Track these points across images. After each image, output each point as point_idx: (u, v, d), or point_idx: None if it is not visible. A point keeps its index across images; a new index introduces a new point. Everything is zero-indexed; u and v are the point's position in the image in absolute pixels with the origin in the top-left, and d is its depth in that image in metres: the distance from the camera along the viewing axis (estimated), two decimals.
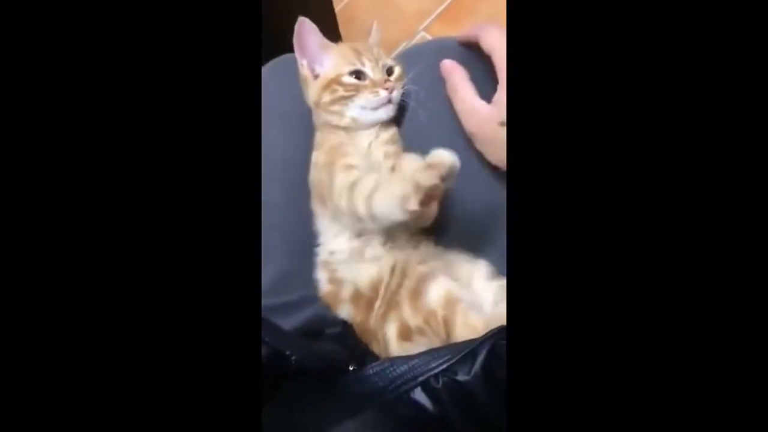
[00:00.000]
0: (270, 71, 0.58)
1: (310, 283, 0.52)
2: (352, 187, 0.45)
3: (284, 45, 0.53)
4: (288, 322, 0.52)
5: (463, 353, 0.38)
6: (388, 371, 0.39)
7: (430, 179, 0.40)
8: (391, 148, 0.52)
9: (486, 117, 0.47)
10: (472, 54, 0.51)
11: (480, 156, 0.50)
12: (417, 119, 0.53)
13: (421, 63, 0.53)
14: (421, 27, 1.33)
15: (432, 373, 0.38)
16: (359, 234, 0.50)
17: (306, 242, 0.53)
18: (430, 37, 1.32)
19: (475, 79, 0.49)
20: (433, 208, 0.48)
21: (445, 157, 0.41)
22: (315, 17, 0.82)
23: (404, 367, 0.38)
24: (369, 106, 0.50)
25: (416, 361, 0.38)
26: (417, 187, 0.40)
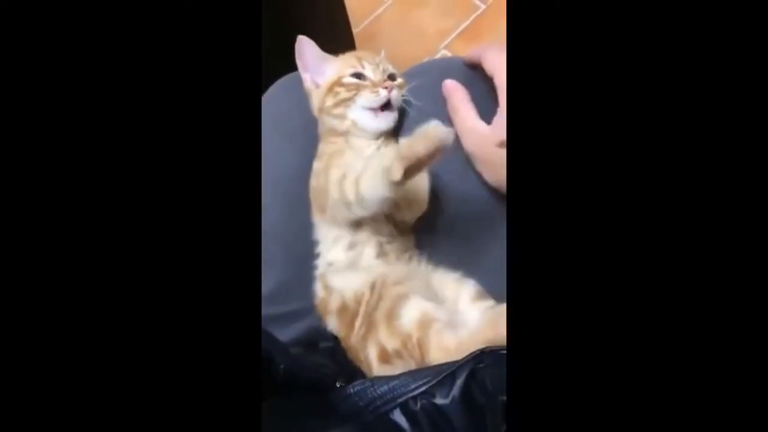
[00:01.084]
0: (277, 88, 0.59)
1: (308, 294, 0.52)
2: (343, 177, 0.46)
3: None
4: (284, 333, 0.52)
5: (441, 376, 0.37)
6: (368, 391, 0.38)
7: (415, 148, 0.40)
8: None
9: (485, 138, 0.47)
10: (476, 75, 0.51)
11: (479, 176, 0.49)
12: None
13: (423, 78, 0.53)
14: (443, 45, 1.34)
15: (411, 395, 0.37)
16: (353, 245, 0.50)
17: (305, 254, 0.53)
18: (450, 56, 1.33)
19: (477, 100, 0.49)
20: (422, 197, 0.49)
21: (433, 129, 0.41)
22: (331, 36, 0.85)
23: (384, 388, 0.38)
24: (369, 105, 0.51)
25: (396, 382, 0.38)
26: (400, 156, 0.40)
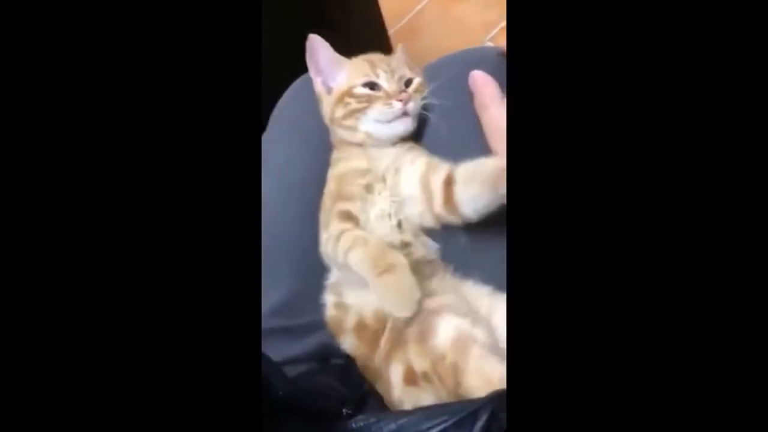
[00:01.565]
0: (295, 88, 0.56)
1: (320, 307, 0.49)
2: (337, 238, 0.45)
3: None
4: (296, 347, 0.49)
5: (460, 416, 0.32)
6: (373, 428, 0.34)
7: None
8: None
9: None
10: None
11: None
12: (438, 135, 0.48)
13: (447, 74, 0.48)
14: (487, 38, 1.27)
15: None
16: None
17: (319, 263, 0.50)
18: None
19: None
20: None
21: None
22: (363, 33, 0.80)
23: (392, 426, 0.33)
24: (383, 118, 0.47)
25: (406, 420, 0.33)
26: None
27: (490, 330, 0.42)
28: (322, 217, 0.48)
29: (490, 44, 1.27)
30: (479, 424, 0.32)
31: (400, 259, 0.42)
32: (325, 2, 0.77)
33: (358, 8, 0.87)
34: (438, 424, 0.32)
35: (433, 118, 0.48)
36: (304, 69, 0.53)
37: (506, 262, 0.24)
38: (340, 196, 0.47)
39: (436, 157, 0.46)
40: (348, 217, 0.46)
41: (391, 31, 1.35)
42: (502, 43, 1.24)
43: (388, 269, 0.41)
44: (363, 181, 0.47)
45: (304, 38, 0.48)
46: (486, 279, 0.45)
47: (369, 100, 0.47)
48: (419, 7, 1.39)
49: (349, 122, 0.48)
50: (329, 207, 0.47)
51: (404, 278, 0.41)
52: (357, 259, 0.43)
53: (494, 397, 0.33)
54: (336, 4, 0.78)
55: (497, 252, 0.45)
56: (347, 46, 0.51)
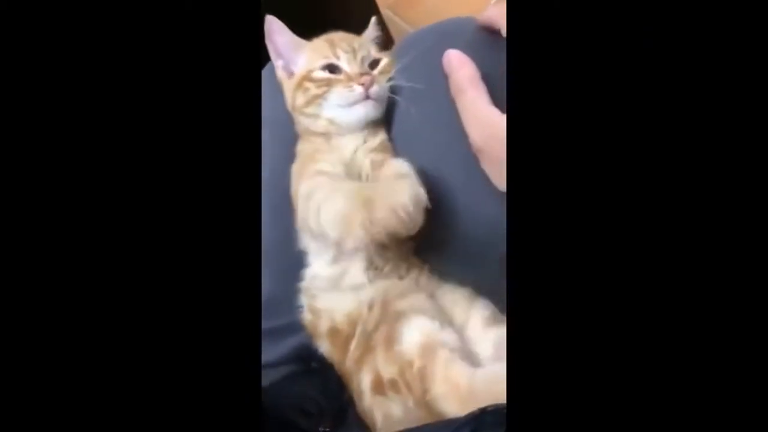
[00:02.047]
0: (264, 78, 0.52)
1: (298, 308, 0.47)
2: (309, 196, 0.39)
3: None
4: (277, 349, 0.48)
5: None
6: None
7: (376, 224, 0.32)
8: (379, 156, 0.43)
9: (498, 128, 0.36)
10: (493, 44, 0.39)
11: (485, 177, 0.39)
12: (409, 121, 0.44)
13: (416, 52, 0.43)
14: (494, 2, 1.19)
15: None
16: (338, 258, 0.43)
17: (299, 263, 0.47)
18: None
19: (490, 79, 0.38)
20: (417, 220, 0.39)
21: (402, 193, 0.33)
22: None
23: None
24: (343, 102, 0.43)
25: None
26: (364, 225, 0.32)
27: (464, 334, 0.39)
28: (294, 205, 0.45)
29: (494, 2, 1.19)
30: None
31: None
32: None
33: None
34: None
35: (402, 101, 0.43)
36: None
37: (506, 264, 0.23)
38: (310, 161, 0.43)
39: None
40: (320, 172, 0.42)
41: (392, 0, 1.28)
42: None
43: (368, 194, 0.36)
44: (329, 159, 0.43)
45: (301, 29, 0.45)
46: (464, 281, 0.42)
47: (329, 84, 0.43)
48: None
49: (310, 109, 0.44)
50: (294, 190, 0.44)
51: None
52: (328, 213, 0.37)
53: (469, 419, 0.30)
54: None
55: (481, 252, 0.42)
56: (331, 19, 0.47)
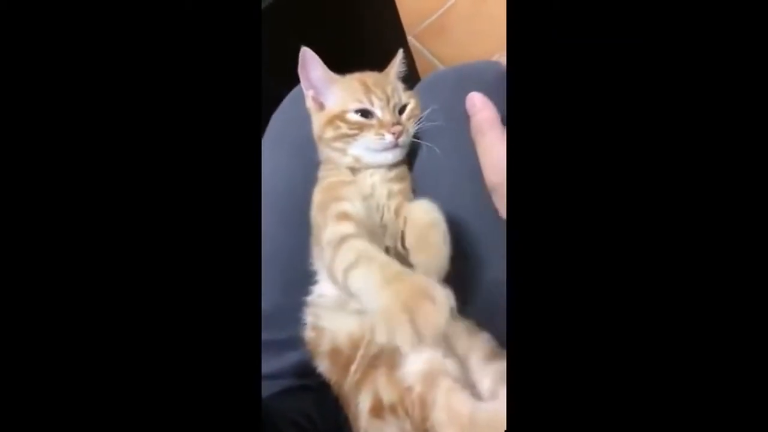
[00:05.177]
0: (289, 100, 0.55)
1: (302, 322, 0.48)
2: (338, 246, 0.39)
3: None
4: (277, 362, 0.49)
5: None
6: None
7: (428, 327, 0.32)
8: (397, 187, 0.45)
9: None
10: None
11: (497, 214, 0.41)
12: (431, 158, 0.46)
13: (441, 96, 0.46)
14: None
15: None
16: None
17: (306, 275, 0.49)
18: None
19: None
20: (440, 261, 0.40)
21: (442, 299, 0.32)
22: (381, 34, 0.78)
23: None
24: (373, 148, 0.45)
25: None
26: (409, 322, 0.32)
27: (464, 366, 0.40)
28: (314, 230, 0.47)
29: (496, 58, 1.22)
30: None
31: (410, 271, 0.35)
32: (338, 4, 0.75)
33: (371, 9, 0.85)
34: None
35: (424, 139, 0.46)
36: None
37: (506, 270, 0.24)
38: (334, 198, 0.44)
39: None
40: (345, 216, 0.42)
41: (418, 29, 1.32)
42: None
43: (397, 277, 0.34)
44: (356, 192, 0.45)
45: (320, 45, 0.47)
46: (469, 314, 0.44)
47: (361, 128, 0.45)
48: (449, 3, 1.35)
49: (338, 144, 0.46)
50: (320, 220, 0.45)
51: (424, 280, 0.34)
52: (361, 279, 0.36)
53: None
54: (348, 6, 0.76)
55: (485, 282, 0.43)
56: (361, 49, 0.49)
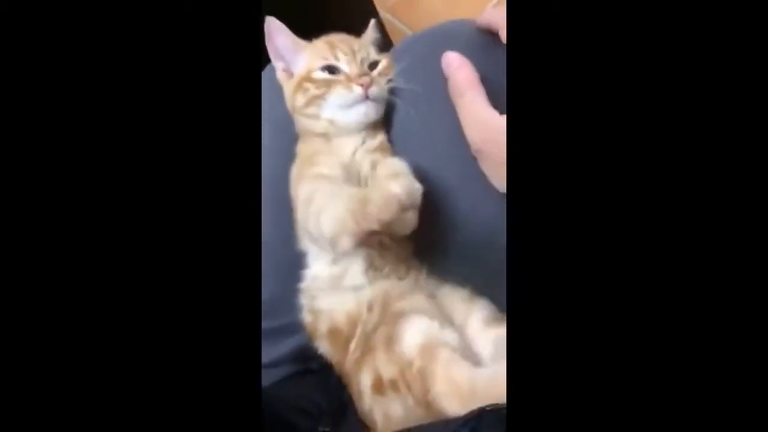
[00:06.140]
0: (265, 79, 0.52)
1: (298, 309, 0.47)
2: (309, 201, 0.39)
3: None
4: (276, 349, 0.48)
5: None
6: None
7: (369, 217, 0.32)
8: (378, 157, 0.43)
9: (498, 130, 0.36)
10: (493, 45, 0.40)
11: (484, 179, 0.39)
12: (408, 123, 0.44)
13: (415, 54, 0.44)
14: (492, 5, 1.20)
15: None
16: (338, 259, 0.44)
17: (298, 264, 0.47)
18: None
19: (489, 81, 0.38)
20: (410, 219, 0.40)
21: (394, 186, 0.32)
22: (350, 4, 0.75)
23: None
24: (343, 103, 0.43)
25: None
26: (356, 219, 0.33)
27: (464, 334, 0.39)
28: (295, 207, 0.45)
29: (494, 4, 1.20)
30: None
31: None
32: None
33: None
34: None
35: (401, 104, 0.44)
36: None
37: (506, 264, 0.23)
38: (310, 164, 0.43)
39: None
40: (320, 176, 0.42)
41: (391, 2, 1.29)
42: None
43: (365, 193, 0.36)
44: (328, 162, 0.43)
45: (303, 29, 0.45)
46: (464, 281, 0.42)
47: (328, 85, 0.43)
48: None
49: (310, 110, 0.44)
50: (297, 189, 0.44)
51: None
52: (329, 219, 0.37)
53: (468, 418, 0.30)
54: None
55: (480, 253, 0.42)
56: (331, 20, 0.47)
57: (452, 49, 0.41)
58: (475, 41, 0.42)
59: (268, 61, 0.48)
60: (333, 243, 0.37)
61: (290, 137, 0.49)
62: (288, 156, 0.48)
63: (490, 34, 0.41)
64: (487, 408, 0.31)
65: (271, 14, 0.44)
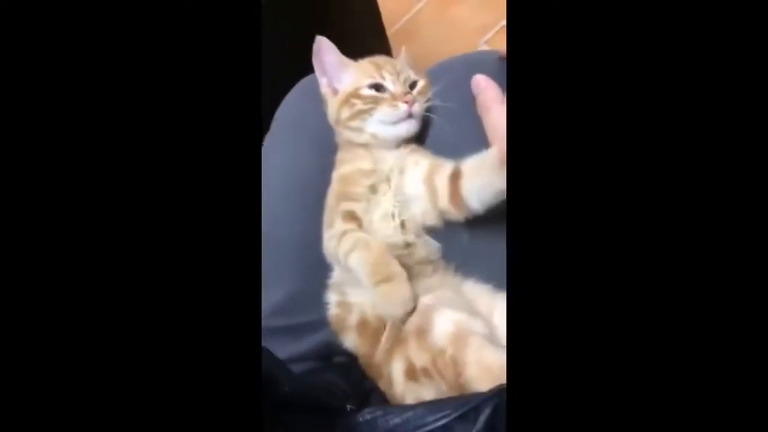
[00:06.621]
0: (299, 89, 0.57)
1: (323, 306, 0.50)
2: (341, 237, 0.46)
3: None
4: (297, 346, 0.50)
5: (464, 410, 0.33)
6: (380, 421, 0.35)
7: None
8: (409, 163, 0.49)
9: None
10: None
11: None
12: (443, 136, 0.49)
13: (448, 78, 0.49)
14: (483, 41, 1.28)
15: (427, 428, 0.33)
16: None
17: (321, 262, 0.50)
18: None
19: None
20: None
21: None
22: (363, 34, 0.81)
23: (398, 420, 0.34)
24: (388, 120, 0.48)
25: (412, 413, 0.34)
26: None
27: (490, 325, 0.43)
28: (326, 215, 0.49)
29: (485, 47, 1.28)
30: (482, 417, 0.33)
31: (397, 270, 0.44)
32: (325, 4, 0.77)
33: (358, 10, 0.88)
34: (441, 418, 0.33)
35: (436, 120, 0.49)
36: (304, 71, 0.54)
37: (506, 259, 0.25)
38: (345, 197, 0.48)
39: (440, 158, 0.47)
40: (352, 217, 0.47)
41: (388, 34, 1.36)
42: (497, 45, 1.26)
43: (386, 278, 0.43)
44: (368, 182, 0.48)
45: (305, 40, 0.49)
46: (487, 277, 0.47)
47: (375, 102, 0.48)
48: (416, 9, 1.40)
49: (354, 123, 0.49)
50: (333, 206, 0.48)
51: (401, 288, 0.43)
52: (357, 262, 0.44)
53: (497, 392, 0.34)
54: (335, 6, 0.79)
55: (498, 249, 0.46)
56: (348, 48, 0.52)
57: (480, 73, 0.47)
58: (498, 67, 0.48)
59: (267, 60, 0.52)
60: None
61: (322, 146, 0.53)
62: (321, 163, 0.52)
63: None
64: None
65: (272, 14, 0.48)
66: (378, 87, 0.48)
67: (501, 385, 0.34)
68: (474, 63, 0.50)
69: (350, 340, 0.47)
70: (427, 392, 0.41)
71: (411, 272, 0.47)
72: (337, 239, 0.46)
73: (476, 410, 0.33)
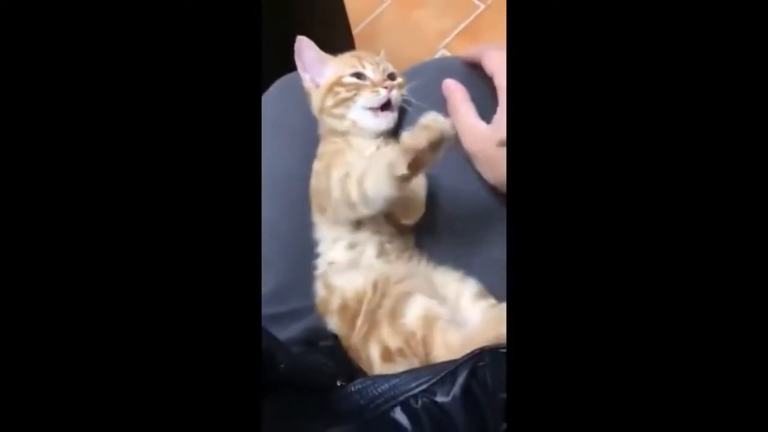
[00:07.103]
0: (276, 89, 0.59)
1: (307, 294, 0.53)
2: (345, 177, 0.46)
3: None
4: (283, 333, 0.52)
5: (442, 374, 0.37)
6: (369, 389, 0.38)
7: (417, 139, 0.40)
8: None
9: (485, 137, 0.47)
10: (475, 74, 0.51)
11: (479, 176, 0.50)
12: None
13: (422, 78, 0.54)
14: (442, 45, 1.34)
15: (411, 393, 0.37)
16: (353, 245, 0.51)
17: (305, 254, 0.53)
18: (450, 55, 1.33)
19: (476, 100, 0.50)
20: (419, 202, 0.49)
21: (434, 120, 0.41)
22: (330, 36, 0.84)
23: (385, 386, 0.38)
24: (369, 105, 0.51)
25: (397, 380, 0.38)
26: (403, 149, 0.40)
27: (456, 310, 0.48)
28: (315, 197, 0.51)
29: (445, 52, 1.34)
30: (459, 380, 0.37)
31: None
32: (292, 6, 0.80)
33: (326, 10, 0.91)
34: (424, 383, 0.38)
35: (411, 114, 0.53)
36: (275, 72, 0.57)
37: (507, 260, 0.25)
38: (336, 158, 0.50)
39: None
40: (347, 174, 0.47)
41: (355, 31, 1.39)
42: (456, 50, 1.32)
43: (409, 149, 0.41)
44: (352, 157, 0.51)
45: (276, 39, 0.52)
46: (456, 266, 0.51)
47: (357, 88, 0.51)
48: (377, 12, 1.44)
49: (338, 110, 0.52)
50: (324, 182, 0.50)
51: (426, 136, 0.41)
52: (374, 176, 0.43)
53: (470, 357, 0.38)
54: (302, 7, 0.81)
55: (472, 242, 0.51)
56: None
57: (449, 77, 0.51)
58: (465, 71, 0.53)
59: (267, 59, 0.55)
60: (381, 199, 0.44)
61: (303, 143, 0.56)
62: (303, 161, 0.54)
63: (474, 66, 0.52)
64: (487, 348, 0.39)
65: (271, 14, 0.51)
66: (359, 75, 0.52)
67: (475, 350, 0.38)
68: (444, 68, 0.55)
69: (332, 323, 0.50)
70: (402, 369, 0.45)
71: (390, 259, 0.51)
72: (340, 181, 0.46)
73: (453, 374, 0.37)
